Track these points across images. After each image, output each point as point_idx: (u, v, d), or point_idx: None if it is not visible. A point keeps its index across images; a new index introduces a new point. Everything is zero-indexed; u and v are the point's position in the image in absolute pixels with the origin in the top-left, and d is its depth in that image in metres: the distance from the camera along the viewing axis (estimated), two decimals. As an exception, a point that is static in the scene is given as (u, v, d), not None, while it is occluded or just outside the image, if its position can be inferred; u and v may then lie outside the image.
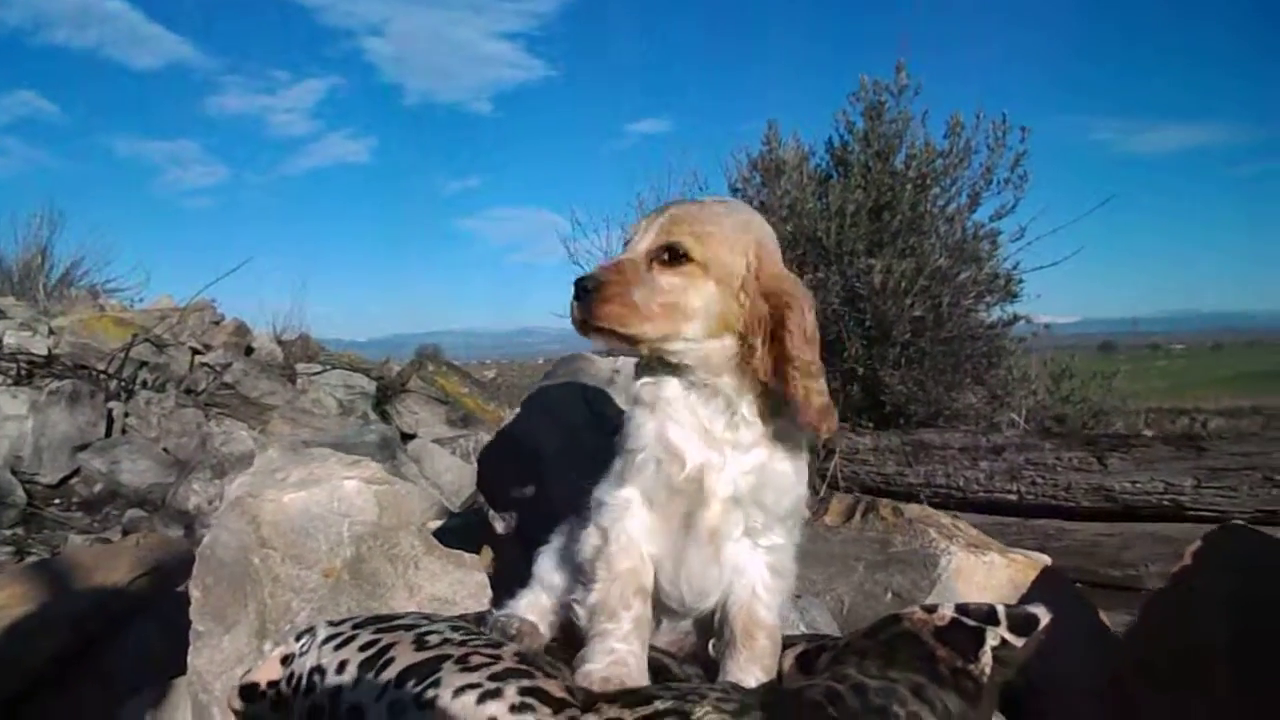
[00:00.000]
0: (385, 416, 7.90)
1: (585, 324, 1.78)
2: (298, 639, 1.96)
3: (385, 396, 8.03)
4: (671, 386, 1.86)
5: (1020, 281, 7.49)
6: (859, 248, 7.21)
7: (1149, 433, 6.11)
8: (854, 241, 7.20)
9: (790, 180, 7.53)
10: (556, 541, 2.18)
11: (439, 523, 3.74)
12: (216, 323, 8.73)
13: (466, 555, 2.49)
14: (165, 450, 7.05)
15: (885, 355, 7.10)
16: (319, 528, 2.36)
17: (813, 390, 1.75)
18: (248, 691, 1.95)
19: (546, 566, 2.15)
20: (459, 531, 3.55)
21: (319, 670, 1.84)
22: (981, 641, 1.68)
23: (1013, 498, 5.26)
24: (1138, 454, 5.03)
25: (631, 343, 1.80)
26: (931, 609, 1.80)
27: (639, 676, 1.75)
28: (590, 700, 1.60)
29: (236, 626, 2.34)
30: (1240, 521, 4.50)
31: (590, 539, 1.89)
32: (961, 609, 1.76)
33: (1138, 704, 1.92)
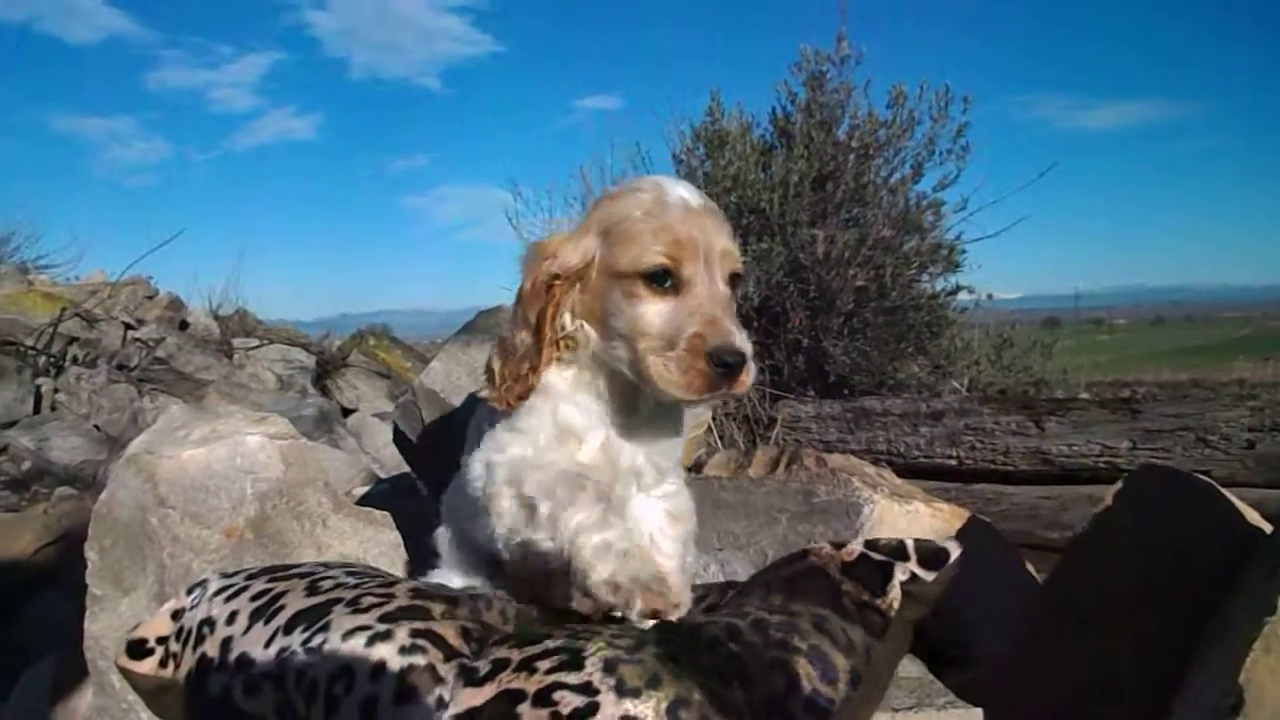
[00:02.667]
0: (326, 391, 7.75)
1: (723, 392, 1.65)
2: (189, 592, 1.87)
3: (325, 371, 7.87)
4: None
5: (963, 252, 7.52)
6: (802, 218, 7.18)
7: (1085, 396, 6.16)
8: (797, 212, 7.17)
9: (733, 151, 7.47)
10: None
11: (365, 489, 3.65)
12: (150, 297, 8.49)
13: (378, 513, 2.40)
14: (96, 427, 6.86)
15: (829, 325, 7.09)
16: (220, 485, 2.26)
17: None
18: (135, 647, 1.85)
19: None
20: (384, 497, 3.46)
21: (209, 622, 1.75)
22: (889, 576, 1.64)
23: (953, 463, 5.28)
24: (1074, 417, 5.06)
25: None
26: (839, 545, 1.75)
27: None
28: (483, 641, 1.55)
29: (135, 590, 2.24)
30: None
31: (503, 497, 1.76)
32: (871, 544, 1.72)
33: (1059, 644, 1.90)
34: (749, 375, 1.62)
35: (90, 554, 2.28)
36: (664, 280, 1.66)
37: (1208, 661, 1.43)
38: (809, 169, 7.29)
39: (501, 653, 1.50)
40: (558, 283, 1.73)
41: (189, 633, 1.78)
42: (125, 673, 1.85)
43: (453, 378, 2.60)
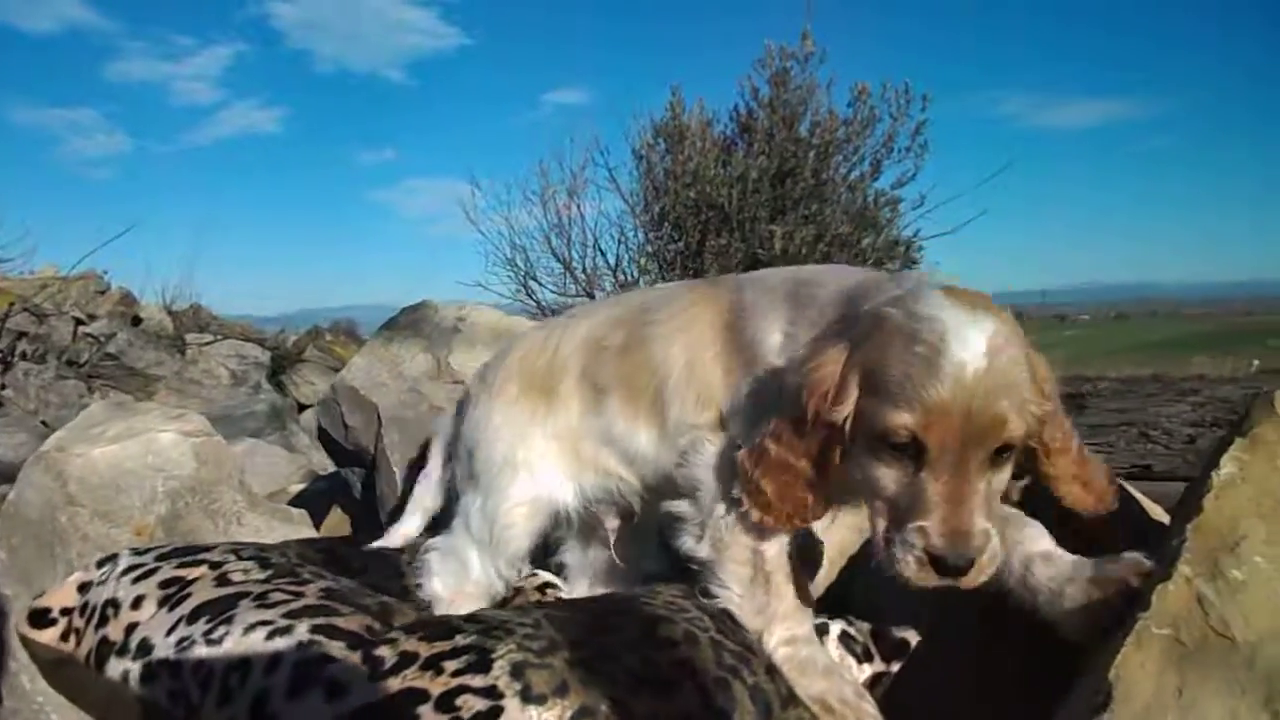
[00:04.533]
0: (281, 387, 7.68)
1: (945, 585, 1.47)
2: (99, 565, 1.84)
3: (280, 366, 7.80)
4: None
5: (920, 248, 7.57)
6: (761, 214, 7.19)
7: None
8: (756, 208, 7.18)
9: (693, 147, 7.46)
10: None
11: (301, 486, 3.62)
12: (102, 292, 8.38)
13: (295, 511, 2.37)
14: (44, 423, 6.75)
15: (786, 322, 7.11)
16: (131, 483, 2.22)
17: (1084, 469, 1.66)
18: (38, 616, 1.81)
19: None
20: (319, 494, 3.43)
21: (114, 603, 1.73)
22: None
23: (904, 458, 5.30)
24: (1022, 413, 5.09)
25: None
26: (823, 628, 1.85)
27: None
28: (393, 632, 1.54)
29: (44, 589, 2.20)
30: (1119, 476, 4.62)
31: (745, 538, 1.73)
32: (847, 643, 1.85)
33: (962, 644, 1.91)
34: (980, 575, 1.45)
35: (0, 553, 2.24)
36: (904, 452, 1.48)
37: (1091, 661, 1.44)
38: (769, 165, 7.30)
39: (410, 645, 1.48)
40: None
41: (93, 610, 1.75)
42: (25, 641, 1.82)
43: (373, 374, 2.57)
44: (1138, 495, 1.92)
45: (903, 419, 1.43)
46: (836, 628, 1.86)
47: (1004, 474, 1.51)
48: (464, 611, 1.90)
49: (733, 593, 1.72)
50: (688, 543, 1.79)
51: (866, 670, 1.84)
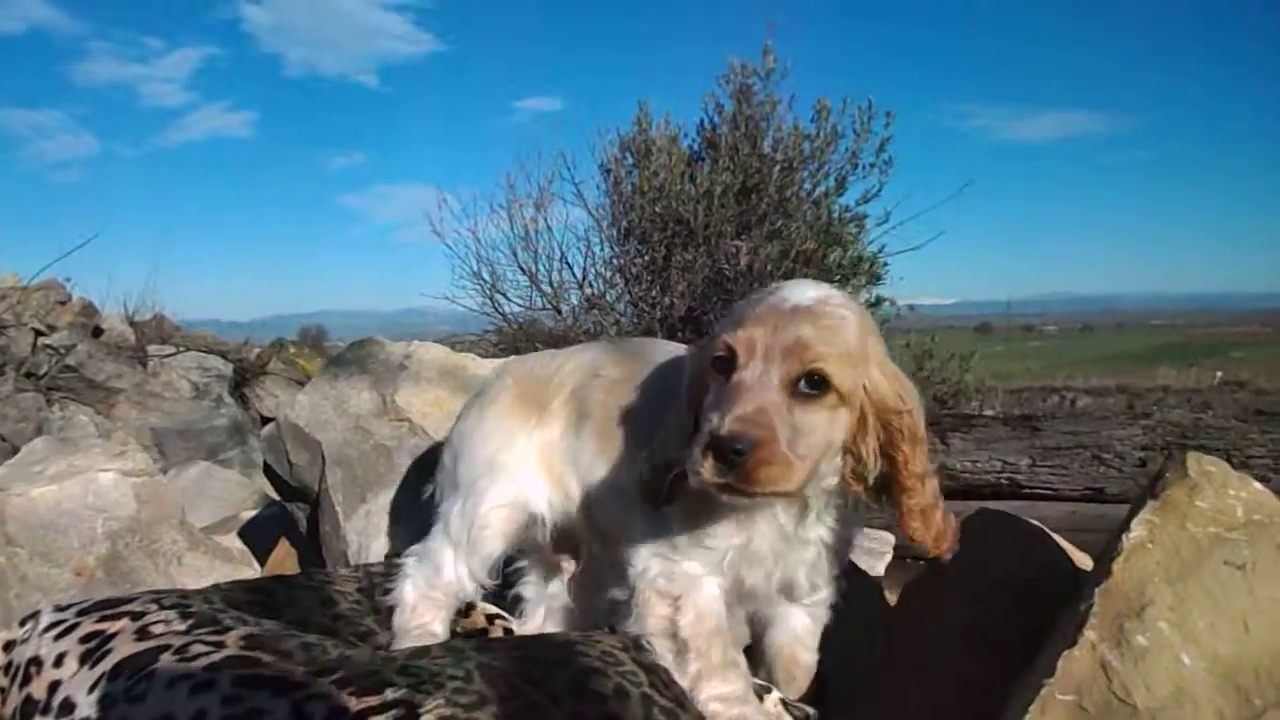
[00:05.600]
0: (244, 399, 7.63)
1: (730, 487, 1.50)
2: (22, 624, 1.84)
3: (244, 379, 7.74)
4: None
5: (885, 264, 7.63)
6: (727, 229, 7.22)
7: (990, 413, 6.29)
8: (721, 223, 7.20)
9: (659, 162, 7.48)
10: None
11: (254, 512, 3.60)
12: (63, 303, 8.26)
13: (236, 549, 2.38)
14: (1, 437, 6.68)
15: (751, 337, 7.14)
16: (70, 524, 2.21)
17: (931, 511, 1.63)
18: None
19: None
20: (271, 521, 3.42)
21: (36, 662, 1.73)
22: None
23: (860, 478, 5.33)
24: (978, 434, 5.16)
25: (776, 499, 1.62)
26: None
27: None
28: (325, 671, 1.55)
29: (-18, 631, 2.19)
30: (1071, 499, 4.70)
31: (659, 608, 1.78)
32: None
33: (893, 690, 1.93)
34: (763, 472, 1.48)
35: (-64, 593, 2.23)
36: (723, 368, 1.59)
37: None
38: (734, 181, 7.33)
39: (340, 699, 1.50)
40: None
41: (17, 669, 1.75)
42: None
43: (318, 412, 2.56)
44: (1066, 545, 1.95)
45: (723, 337, 1.59)
46: (776, 694, 1.88)
47: (814, 416, 1.55)
48: (424, 618, 2.00)
49: (658, 650, 1.76)
50: (620, 595, 1.84)
51: None
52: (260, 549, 3.00)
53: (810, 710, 1.86)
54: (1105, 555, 1.56)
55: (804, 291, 1.64)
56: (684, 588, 1.76)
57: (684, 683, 1.72)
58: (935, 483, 1.65)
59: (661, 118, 7.68)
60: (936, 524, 1.64)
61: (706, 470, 1.49)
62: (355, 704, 1.49)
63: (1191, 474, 1.54)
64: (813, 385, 1.54)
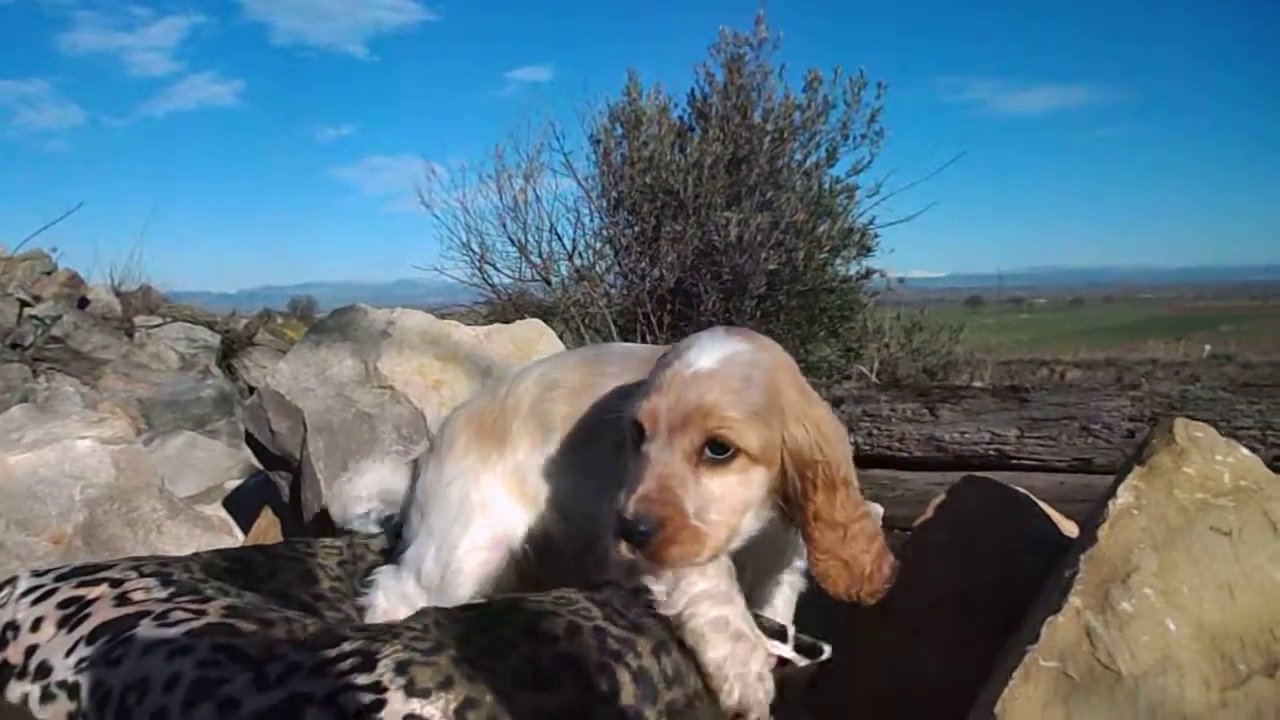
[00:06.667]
0: (231, 371, 7.59)
1: (644, 564, 1.55)
2: None
3: (231, 350, 7.69)
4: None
5: (876, 236, 7.60)
6: (717, 200, 7.17)
7: (978, 384, 6.28)
8: (712, 194, 7.16)
9: (649, 132, 7.43)
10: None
11: (238, 482, 3.58)
12: (48, 273, 8.19)
13: (215, 517, 2.35)
14: (-15, 408, 6.63)
15: (741, 308, 7.12)
16: (47, 491, 2.18)
17: (856, 559, 1.59)
18: None
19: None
20: (255, 490, 3.39)
21: (13, 626, 1.71)
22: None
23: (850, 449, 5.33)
24: (967, 405, 5.13)
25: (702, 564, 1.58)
26: None
27: None
28: (281, 648, 1.54)
29: (-40, 599, 2.16)
30: (1059, 470, 4.71)
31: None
32: (758, 619, 1.79)
33: (880, 657, 1.93)
34: (668, 552, 1.52)
35: (-87, 561, 2.20)
36: (636, 441, 1.58)
37: (989, 687, 1.45)
38: (724, 151, 7.28)
39: (297, 656, 1.50)
40: None
41: None
42: None
43: (299, 380, 2.52)
44: (1053, 513, 1.94)
45: (632, 409, 1.57)
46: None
47: (726, 479, 1.54)
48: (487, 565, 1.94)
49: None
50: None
51: (776, 648, 1.77)
52: (245, 519, 2.98)
53: (822, 645, 1.82)
54: (1091, 522, 1.55)
55: (708, 351, 1.58)
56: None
57: (661, 587, 1.63)
58: (867, 525, 1.62)
59: (652, 88, 7.62)
60: (859, 570, 1.60)
61: (621, 551, 1.53)
62: (312, 659, 1.49)
63: (1179, 440, 1.53)
64: (718, 450, 1.53)
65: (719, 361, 1.56)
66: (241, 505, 3.25)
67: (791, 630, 1.82)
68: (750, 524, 1.61)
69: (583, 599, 1.70)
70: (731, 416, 1.51)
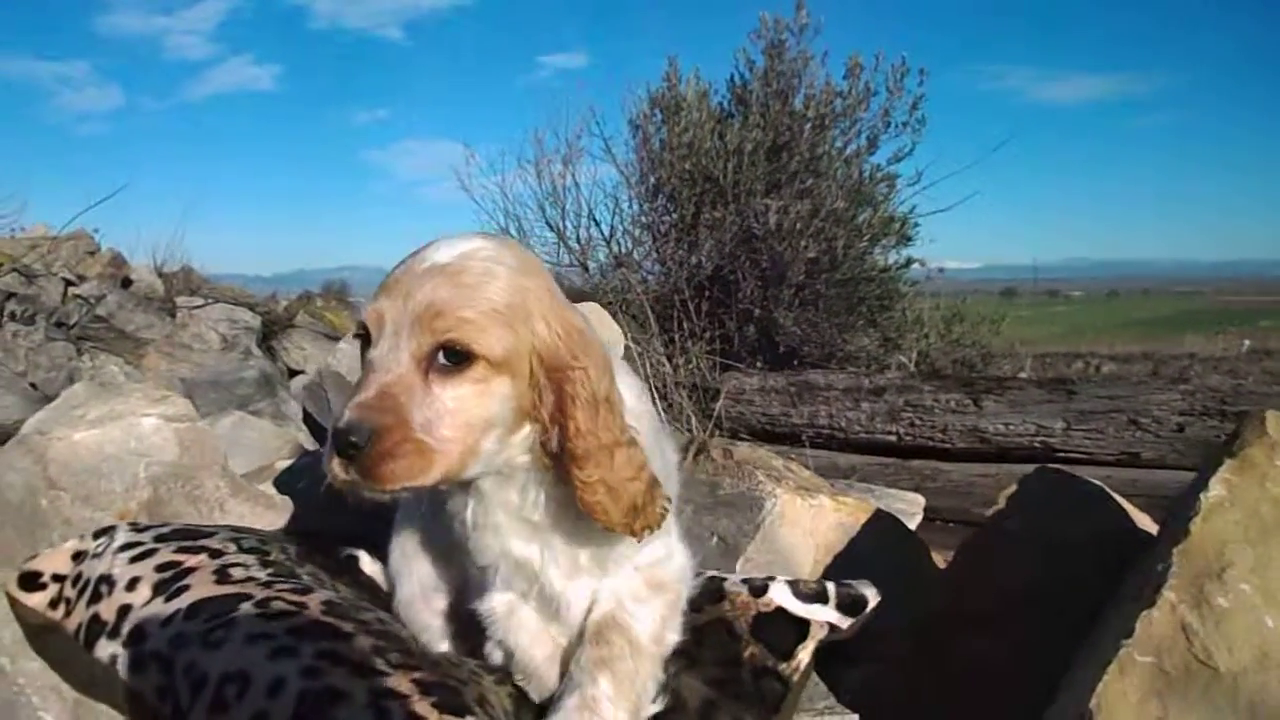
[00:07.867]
0: (271, 352, 7.63)
1: (360, 483, 1.30)
2: (96, 537, 1.82)
3: (271, 332, 7.74)
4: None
5: (916, 225, 7.53)
6: (756, 187, 7.13)
7: (1024, 375, 6.22)
8: (751, 181, 7.12)
9: (689, 118, 7.39)
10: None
11: (288, 462, 3.59)
12: (92, 253, 8.28)
13: (278, 497, 2.36)
14: (33, 385, 6.70)
15: (780, 296, 7.08)
16: (113, 468, 2.20)
17: (622, 485, 1.41)
18: (28, 579, 1.78)
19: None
20: (304, 471, 3.40)
21: (108, 580, 1.70)
22: (803, 636, 1.71)
23: (892, 439, 5.31)
24: (1011, 396, 5.10)
25: (428, 486, 1.37)
26: (761, 589, 1.80)
27: None
28: (405, 666, 1.51)
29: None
30: (1106, 464, 4.64)
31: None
32: (794, 587, 1.77)
33: (950, 645, 1.91)
34: (386, 467, 1.29)
35: (-19, 535, 2.22)
36: (363, 348, 1.40)
37: (1075, 679, 1.43)
38: (764, 138, 7.23)
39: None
40: None
41: (86, 583, 1.72)
42: (12, 602, 1.79)
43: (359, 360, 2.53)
44: (1127, 506, 1.91)
45: (361, 313, 1.41)
46: (783, 580, 1.83)
47: (461, 389, 1.33)
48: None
49: None
50: None
51: (820, 613, 1.78)
52: (294, 498, 2.99)
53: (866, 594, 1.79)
54: (1178, 515, 1.51)
55: (447, 248, 1.40)
56: None
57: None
58: (635, 453, 1.44)
59: (691, 73, 7.58)
60: (629, 500, 1.42)
61: (335, 468, 1.30)
62: (425, 674, 1.47)
63: (1271, 433, 1.49)
64: (452, 357, 1.33)
65: (456, 257, 1.38)
66: (290, 484, 3.26)
67: (831, 588, 1.79)
68: (494, 447, 1.41)
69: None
70: (467, 317, 1.32)
